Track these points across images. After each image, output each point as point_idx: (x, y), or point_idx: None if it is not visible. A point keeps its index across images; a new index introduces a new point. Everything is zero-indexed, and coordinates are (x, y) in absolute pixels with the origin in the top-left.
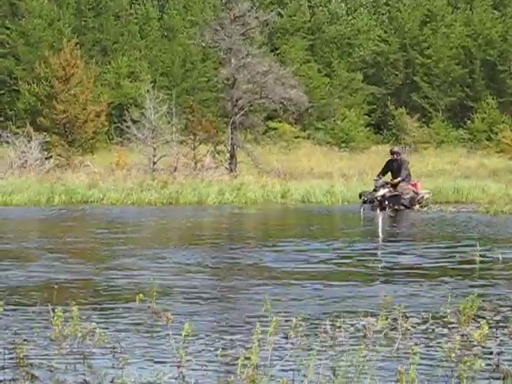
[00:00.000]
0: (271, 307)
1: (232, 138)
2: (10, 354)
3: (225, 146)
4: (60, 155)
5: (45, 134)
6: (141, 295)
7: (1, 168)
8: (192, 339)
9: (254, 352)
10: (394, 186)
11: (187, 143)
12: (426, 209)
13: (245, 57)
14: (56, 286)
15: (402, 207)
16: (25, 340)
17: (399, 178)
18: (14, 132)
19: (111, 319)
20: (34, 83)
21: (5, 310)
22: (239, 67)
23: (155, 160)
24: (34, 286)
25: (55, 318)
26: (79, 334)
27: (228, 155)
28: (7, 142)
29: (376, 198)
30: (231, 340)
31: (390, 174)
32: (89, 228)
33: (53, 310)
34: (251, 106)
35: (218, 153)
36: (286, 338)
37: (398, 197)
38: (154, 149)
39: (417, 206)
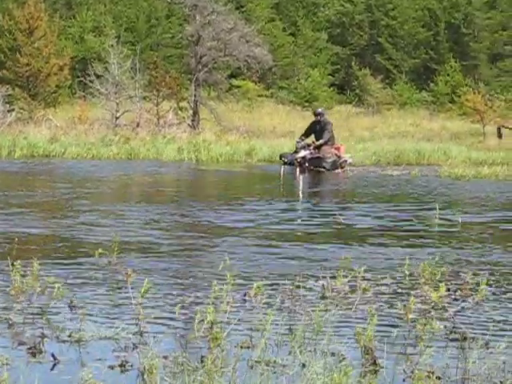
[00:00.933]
0: (229, 267)
1: (195, 95)
2: None
3: (188, 102)
4: (22, 108)
5: (7, 86)
6: (100, 250)
7: None
8: (150, 295)
9: (210, 309)
10: (317, 148)
11: (150, 99)
12: (342, 170)
13: (210, 14)
14: (16, 240)
15: (322, 170)
16: None
17: (321, 141)
18: None
19: (70, 274)
20: None
21: None
22: (204, 24)
23: (118, 115)
24: None
25: (14, 272)
26: (38, 289)
27: (191, 112)
28: None
29: (296, 159)
30: (189, 297)
31: (313, 136)
32: (50, 182)
33: (12, 264)
34: (215, 63)
35: (181, 109)
36: (245, 296)
37: (320, 159)
38: (117, 104)
39: (338, 170)
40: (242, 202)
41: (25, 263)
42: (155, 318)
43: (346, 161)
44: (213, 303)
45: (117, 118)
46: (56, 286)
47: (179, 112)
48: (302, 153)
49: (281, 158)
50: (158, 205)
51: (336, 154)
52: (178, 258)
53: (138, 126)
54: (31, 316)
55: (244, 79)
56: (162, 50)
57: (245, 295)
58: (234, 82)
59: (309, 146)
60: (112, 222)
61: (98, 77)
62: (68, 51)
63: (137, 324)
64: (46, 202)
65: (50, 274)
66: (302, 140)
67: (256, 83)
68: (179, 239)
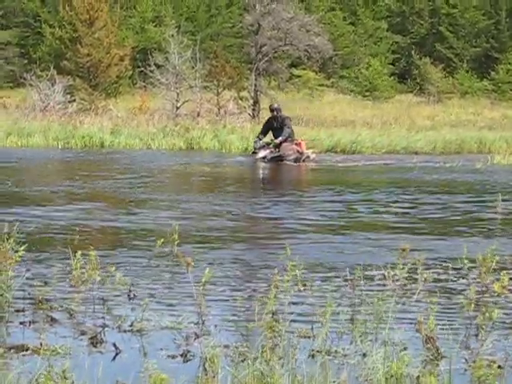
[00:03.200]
0: (291, 257)
1: (255, 85)
2: (30, 296)
3: (248, 92)
4: (83, 99)
5: (68, 77)
6: (161, 240)
7: (24, 110)
8: (212, 285)
9: (271, 299)
10: (277, 146)
11: (211, 89)
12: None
13: (270, 3)
14: (77, 230)
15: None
16: (45, 283)
17: (281, 138)
18: (37, 75)
19: (131, 264)
20: (58, 26)
21: (25, 253)
22: (264, 13)
23: (178, 105)
24: (55, 231)
25: (75, 262)
26: (98, 278)
27: (251, 101)
28: (31, 85)
29: (256, 160)
30: (251, 287)
31: (271, 133)
32: (110, 173)
33: (73, 254)
34: (275, 52)
35: (242, 99)
36: (305, 285)
37: (281, 158)
38: (178, 94)
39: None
40: (302, 194)
41: (86, 253)
42: (216, 307)
43: (308, 157)
44: (274, 293)
45: (177, 108)
46: (117, 275)
47: (240, 101)
48: (262, 153)
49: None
50: (220, 195)
51: (298, 151)
52: (239, 247)
53: (198, 115)
54: (92, 306)
55: (304, 69)
56: (222, 40)
57: (305, 285)
58: (295, 71)
59: (268, 144)
60: (173, 212)
61: (158, 67)
62: (129, 41)
63: (198, 313)
64: (107, 192)
65: (110, 264)
66: (260, 139)
67: (316, 73)
68: (241, 229)
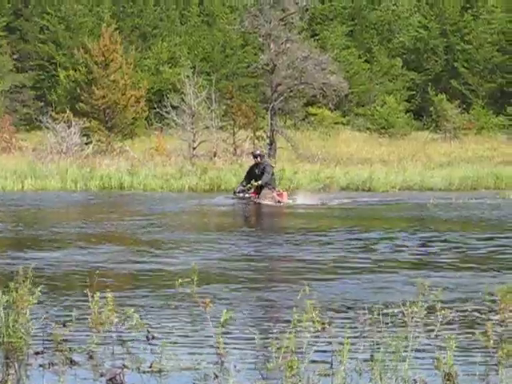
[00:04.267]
0: (309, 296)
1: (271, 124)
2: (49, 338)
3: (264, 131)
4: (99, 140)
5: (84, 119)
6: (180, 280)
7: (41, 153)
8: (230, 325)
9: (290, 338)
10: (257, 190)
11: (227, 129)
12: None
13: (284, 42)
14: (95, 272)
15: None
16: (63, 325)
17: (260, 181)
18: (53, 118)
19: (149, 305)
20: (73, 69)
21: (43, 294)
22: (279, 53)
23: (195, 146)
24: (73, 273)
25: (93, 304)
26: (115, 320)
27: (267, 141)
28: (47, 128)
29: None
30: (269, 326)
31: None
32: (128, 214)
33: (91, 296)
34: (291, 91)
35: (258, 138)
36: (324, 324)
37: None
38: (194, 134)
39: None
40: (319, 234)
41: (103, 294)
42: (235, 347)
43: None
44: (293, 332)
45: (194, 149)
46: (135, 316)
47: (256, 141)
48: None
49: None
50: (238, 235)
51: (278, 201)
52: (258, 287)
53: (215, 155)
54: (111, 347)
55: (320, 107)
56: (237, 80)
57: (324, 323)
58: (310, 109)
59: (248, 190)
60: (192, 253)
61: (174, 108)
62: (144, 83)
63: (217, 354)
64: (124, 233)
65: (129, 305)
66: (244, 186)
67: (332, 111)
68: (259, 270)
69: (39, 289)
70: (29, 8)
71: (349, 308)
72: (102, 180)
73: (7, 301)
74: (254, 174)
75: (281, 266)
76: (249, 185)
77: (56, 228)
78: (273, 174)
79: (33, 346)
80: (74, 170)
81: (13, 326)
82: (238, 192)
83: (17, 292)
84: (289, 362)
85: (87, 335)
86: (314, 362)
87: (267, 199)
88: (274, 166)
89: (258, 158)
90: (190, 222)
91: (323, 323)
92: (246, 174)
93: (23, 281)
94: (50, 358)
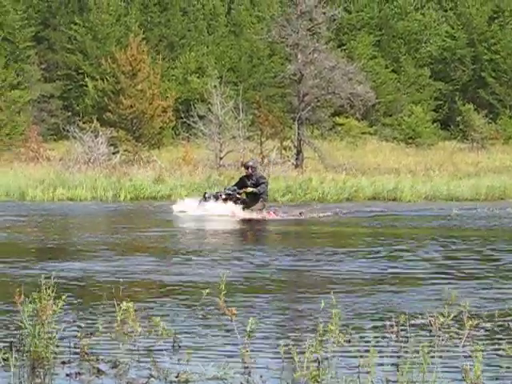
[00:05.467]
0: (335, 306)
1: (298, 134)
2: (75, 347)
3: (291, 141)
4: (127, 150)
5: (112, 129)
6: (207, 290)
7: (68, 163)
8: (257, 335)
9: (316, 348)
10: (245, 198)
11: (254, 139)
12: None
13: (312, 52)
14: (124, 281)
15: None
16: (90, 334)
17: (255, 189)
18: (81, 127)
19: (176, 314)
20: (100, 79)
21: (70, 304)
22: (306, 63)
23: (222, 155)
24: (100, 282)
25: (119, 313)
26: (139, 329)
27: (294, 151)
28: (74, 137)
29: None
30: (295, 336)
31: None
32: (156, 223)
33: (117, 305)
34: (318, 101)
35: (285, 148)
36: (350, 334)
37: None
38: (221, 144)
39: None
40: (344, 245)
41: (130, 304)
42: (262, 357)
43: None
44: (318, 342)
45: (221, 159)
46: (161, 326)
47: (283, 151)
48: (210, 203)
49: None
50: (265, 246)
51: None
52: (284, 297)
53: (242, 165)
54: (137, 357)
55: (347, 117)
56: (264, 90)
57: (350, 334)
58: (338, 119)
59: (229, 195)
60: (219, 262)
61: (201, 118)
62: (171, 93)
63: (243, 363)
64: (152, 243)
65: (156, 315)
66: (230, 191)
67: (359, 120)
68: (285, 280)
69: (63, 297)
70: (57, 18)
71: (375, 318)
72: (130, 190)
73: (33, 310)
74: (245, 185)
75: (308, 276)
76: (239, 190)
77: (85, 238)
78: (267, 186)
79: (59, 355)
80: (102, 180)
81: (39, 335)
82: (208, 197)
83: (40, 302)
84: (314, 372)
85: (113, 345)
86: (339, 372)
87: (255, 212)
88: (266, 178)
89: (249, 170)
90: (217, 232)
91: (350, 333)
92: (234, 183)
93: (46, 290)
94: (76, 368)
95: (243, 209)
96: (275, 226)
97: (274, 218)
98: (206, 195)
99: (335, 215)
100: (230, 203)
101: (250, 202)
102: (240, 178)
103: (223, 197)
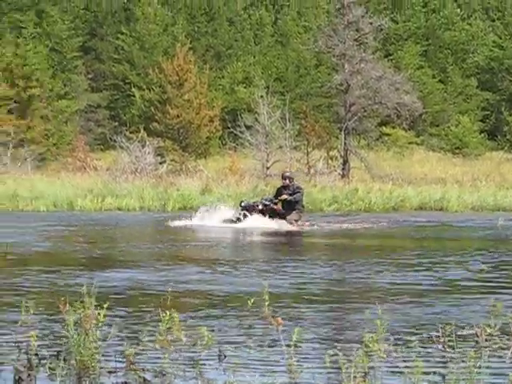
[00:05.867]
0: (380, 317)
1: (345, 144)
2: (121, 357)
3: (338, 151)
4: (173, 160)
5: (158, 139)
6: (252, 300)
7: (115, 173)
8: (303, 345)
9: (363, 358)
10: (279, 210)
11: (300, 149)
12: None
13: (358, 62)
14: (169, 290)
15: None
16: (136, 344)
17: (291, 197)
18: (128, 137)
19: (222, 324)
20: (147, 88)
21: (116, 313)
22: (353, 73)
23: (268, 165)
24: (146, 292)
25: (165, 323)
26: (185, 339)
27: (341, 160)
28: (121, 147)
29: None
30: (341, 347)
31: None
32: (204, 233)
33: (163, 315)
34: (364, 111)
35: (331, 158)
36: (395, 345)
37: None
38: (267, 154)
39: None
40: (394, 255)
41: (176, 314)
42: (308, 367)
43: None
44: (364, 353)
45: (267, 168)
46: (207, 335)
47: (329, 161)
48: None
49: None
50: (309, 255)
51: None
52: (330, 308)
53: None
54: (183, 367)
55: (394, 127)
56: (311, 100)
57: (395, 345)
58: (384, 129)
59: (265, 206)
60: (265, 272)
61: (248, 127)
62: (218, 102)
63: (289, 374)
64: (198, 253)
65: (201, 325)
66: (266, 201)
67: (406, 131)
68: (332, 291)
69: (106, 306)
70: (103, 28)
71: (422, 329)
72: (177, 200)
73: (77, 319)
74: (282, 194)
75: (354, 287)
76: (275, 200)
77: (133, 247)
78: (302, 196)
79: (105, 364)
80: (149, 190)
81: (84, 344)
82: (244, 206)
83: (84, 310)
84: (361, 383)
85: (159, 354)
86: (386, 383)
87: (291, 224)
88: (302, 188)
89: (287, 180)
90: (263, 242)
91: (395, 344)
92: (273, 195)
93: (89, 299)
94: (122, 377)
95: (278, 219)
96: (319, 237)
97: (309, 228)
98: (243, 204)
99: (376, 226)
100: (258, 217)
101: (285, 212)
102: (277, 189)
103: (259, 207)
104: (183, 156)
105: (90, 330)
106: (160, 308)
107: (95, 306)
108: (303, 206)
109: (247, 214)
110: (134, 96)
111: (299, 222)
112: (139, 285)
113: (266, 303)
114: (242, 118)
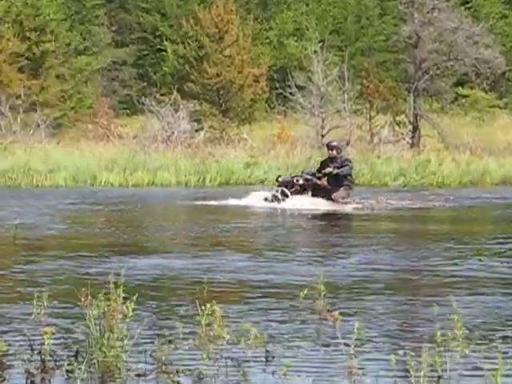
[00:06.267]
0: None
1: (415, 107)
2: (152, 357)
3: (406, 116)
4: (212, 127)
5: (194, 101)
6: (305, 292)
7: (144, 142)
8: (364, 344)
9: (435, 360)
10: (323, 177)
11: (362, 113)
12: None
13: (430, 11)
14: (206, 281)
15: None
16: (169, 342)
17: (338, 171)
18: (158, 100)
19: (270, 319)
20: (181, 43)
21: (146, 306)
22: (424, 23)
23: (324, 133)
24: (178, 282)
25: (203, 317)
26: (227, 337)
27: (410, 127)
28: (151, 112)
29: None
30: (408, 345)
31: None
32: (244, 214)
33: (200, 309)
34: (438, 69)
35: (398, 124)
36: (474, 344)
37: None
38: (323, 120)
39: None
40: (470, 241)
41: (215, 308)
42: (369, 366)
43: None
44: (437, 353)
45: (323, 136)
46: (253, 332)
47: (396, 128)
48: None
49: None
50: (371, 240)
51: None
52: (393, 300)
53: (348, 144)
54: (224, 368)
55: (472, 87)
56: (374, 56)
57: (474, 343)
58: (461, 90)
59: (307, 180)
60: (318, 259)
61: (299, 88)
62: (265, 59)
63: (349, 376)
64: (238, 237)
65: (245, 320)
66: (308, 175)
67: (487, 92)
68: (395, 281)
69: (134, 299)
70: None
71: (503, 325)
72: (217, 173)
73: (101, 314)
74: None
75: (422, 276)
76: (318, 174)
77: (164, 230)
78: (351, 169)
79: (133, 366)
80: (184, 162)
81: (108, 343)
82: (282, 181)
83: (108, 304)
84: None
85: (196, 354)
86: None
87: (337, 203)
88: (351, 162)
89: (334, 151)
90: (315, 223)
91: (473, 342)
92: (316, 168)
93: (116, 290)
94: (153, 381)
95: (322, 197)
96: (380, 218)
97: (371, 208)
98: (280, 179)
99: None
100: (299, 197)
101: (332, 188)
102: (321, 162)
103: (300, 182)
104: (223, 122)
105: (116, 327)
106: (196, 300)
107: (120, 297)
108: (352, 182)
109: (286, 191)
110: (165, 51)
111: (347, 200)
112: (172, 273)
113: (322, 295)
114: (292, 77)
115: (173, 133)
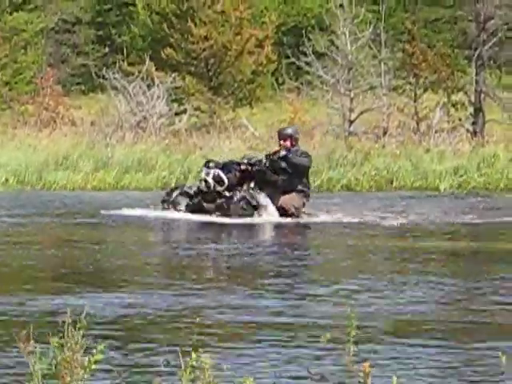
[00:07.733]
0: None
1: (477, 82)
2: None
3: (466, 94)
4: (198, 109)
5: (174, 74)
6: (328, 336)
7: (105, 129)
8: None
9: None
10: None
11: (404, 90)
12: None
13: None
14: (197, 319)
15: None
16: None
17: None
18: (125, 72)
19: (282, 371)
20: None
21: (112, 359)
22: None
23: (352, 118)
24: (150, 320)
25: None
26: None
27: (471, 110)
28: (115, 88)
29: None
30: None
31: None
32: (238, 229)
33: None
34: (508, 30)
35: (455, 106)
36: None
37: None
38: (351, 99)
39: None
40: None
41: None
42: None
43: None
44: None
45: (351, 122)
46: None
47: (452, 110)
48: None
49: None
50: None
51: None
52: (446, 346)
53: (385, 133)
54: None
55: None
56: (421, 12)
57: None
58: None
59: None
60: (348, 291)
61: (319, 56)
62: (271, 16)
63: None
64: (226, 261)
65: (246, 370)
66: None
67: None
68: (448, 320)
69: (103, 345)
70: None
71: None
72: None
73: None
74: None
75: (483, 313)
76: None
77: (132, 254)
78: (309, 168)
79: None
80: (162, 158)
81: None
82: (213, 167)
83: (64, 349)
84: None
85: None
86: None
87: (290, 206)
88: (310, 156)
89: (289, 141)
90: (344, 242)
91: None
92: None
93: (71, 332)
94: None
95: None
96: (424, 235)
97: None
98: (211, 164)
99: None
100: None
101: (281, 187)
102: (266, 155)
103: (242, 167)
104: (214, 103)
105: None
106: (177, 346)
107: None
108: (309, 188)
109: (221, 175)
110: (134, 5)
111: (303, 210)
112: (144, 312)
113: (351, 339)
114: (309, 39)
115: (145, 117)
